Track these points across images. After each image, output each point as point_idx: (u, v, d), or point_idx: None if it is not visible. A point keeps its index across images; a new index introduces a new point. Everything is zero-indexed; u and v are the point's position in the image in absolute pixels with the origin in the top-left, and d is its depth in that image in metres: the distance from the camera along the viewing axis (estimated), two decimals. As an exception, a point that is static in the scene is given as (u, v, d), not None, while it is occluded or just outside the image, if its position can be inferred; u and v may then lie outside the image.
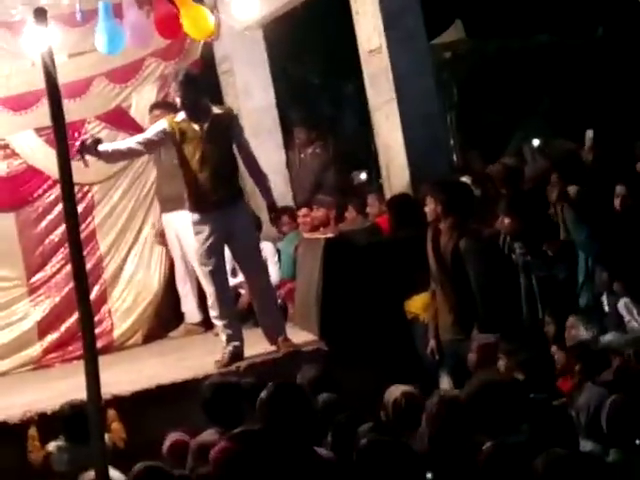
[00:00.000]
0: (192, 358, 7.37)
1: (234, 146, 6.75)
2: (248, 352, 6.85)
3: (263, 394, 4.44)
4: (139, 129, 8.80)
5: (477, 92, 13.31)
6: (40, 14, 5.17)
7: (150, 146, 6.87)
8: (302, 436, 4.26)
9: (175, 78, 6.79)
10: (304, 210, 8.78)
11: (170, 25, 7.97)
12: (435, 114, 7.91)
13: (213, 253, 6.67)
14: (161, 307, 8.88)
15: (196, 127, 6.58)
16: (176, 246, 8.38)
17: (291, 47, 9.91)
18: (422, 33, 7.88)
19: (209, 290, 6.84)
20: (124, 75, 8.92)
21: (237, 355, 6.71)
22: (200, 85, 6.74)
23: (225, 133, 6.66)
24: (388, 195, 7.93)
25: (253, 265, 6.87)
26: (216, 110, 6.72)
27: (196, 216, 6.69)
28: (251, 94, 9.37)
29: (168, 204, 8.22)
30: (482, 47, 13.65)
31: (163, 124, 6.68)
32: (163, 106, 8.22)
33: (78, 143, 6.48)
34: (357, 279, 7.00)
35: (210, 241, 6.63)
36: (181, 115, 6.66)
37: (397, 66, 7.64)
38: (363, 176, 10.43)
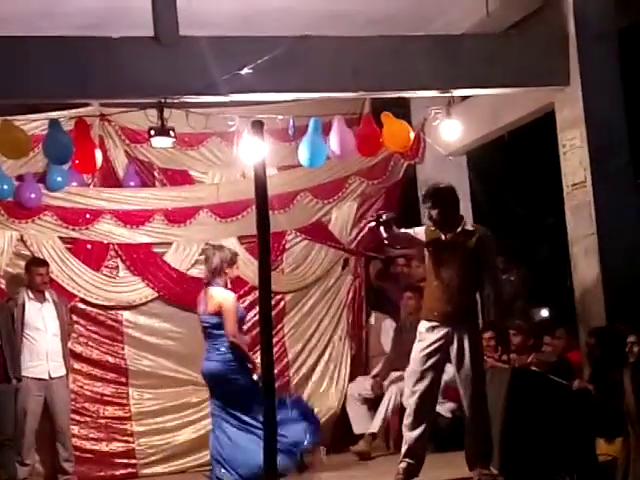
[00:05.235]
0: (365, 477, 7.33)
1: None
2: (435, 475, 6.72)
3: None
4: (336, 242, 9.04)
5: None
6: (257, 126, 5.39)
7: (417, 243, 6.89)
8: None
9: (426, 192, 6.88)
10: (489, 333, 8.64)
11: (370, 143, 8.26)
12: (637, 250, 7.69)
13: (428, 360, 6.55)
14: (342, 422, 8.90)
15: (442, 236, 6.67)
16: None
17: (493, 175, 9.93)
18: (629, 169, 7.76)
19: (411, 399, 6.64)
20: (328, 191, 9.23)
21: (411, 473, 6.58)
22: (450, 199, 6.75)
23: (470, 250, 6.60)
24: (581, 331, 7.71)
25: (474, 384, 6.62)
26: (468, 227, 6.76)
27: (424, 323, 6.66)
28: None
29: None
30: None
31: (422, 228, 6.85)
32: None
33: (372, 218, 6.74)
34: (544, 414, 6.75)
35: (429, 350, 6.55)
36: None
37: (600, 201, 7.54)
38: (545, 313, 10.17)
